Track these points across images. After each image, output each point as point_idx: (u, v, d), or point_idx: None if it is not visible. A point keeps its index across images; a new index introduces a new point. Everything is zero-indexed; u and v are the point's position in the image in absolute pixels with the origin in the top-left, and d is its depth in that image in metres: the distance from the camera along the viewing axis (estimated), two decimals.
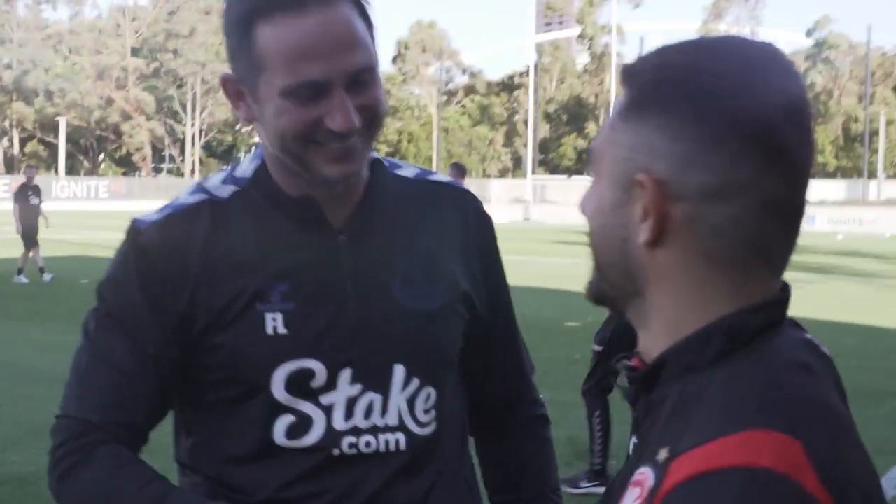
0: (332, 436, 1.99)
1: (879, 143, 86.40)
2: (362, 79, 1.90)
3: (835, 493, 1.13)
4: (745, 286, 1.27)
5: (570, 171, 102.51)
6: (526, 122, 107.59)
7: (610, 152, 1.32)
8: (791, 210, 1.28)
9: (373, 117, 1.94)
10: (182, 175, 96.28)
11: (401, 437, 2.03)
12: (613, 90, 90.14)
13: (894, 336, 16.80)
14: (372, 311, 2.01)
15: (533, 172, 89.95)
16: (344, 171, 1.93)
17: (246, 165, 2.08)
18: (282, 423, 1.99)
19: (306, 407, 1.99)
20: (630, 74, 1.32)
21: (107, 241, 27.78)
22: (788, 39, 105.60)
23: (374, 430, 2.01)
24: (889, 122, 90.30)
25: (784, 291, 1.31)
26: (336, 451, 1.99)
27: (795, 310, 1.31)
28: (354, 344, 2.00)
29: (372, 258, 2.04)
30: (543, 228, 63.71)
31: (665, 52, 1.31)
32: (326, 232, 2.02)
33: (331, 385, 1.99)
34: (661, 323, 1.31)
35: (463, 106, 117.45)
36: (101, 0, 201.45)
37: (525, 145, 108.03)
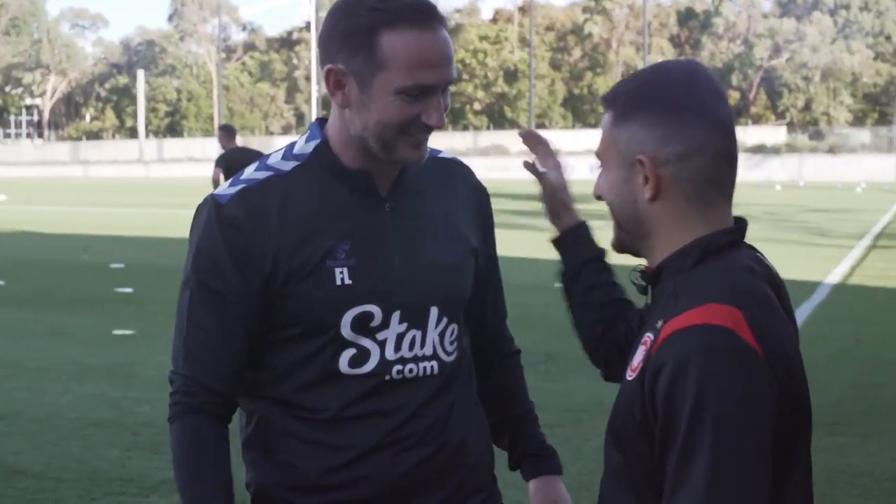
0: (384, 364, 2.47)
1: None
2: (447, 88, 2.43)
3: (762, 344, 1.87)
4: (712, 214, 2.03)
5: None
6: (307, 78, 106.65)
7: (612, 149, 2.07)
8: (732, 157, 2.06)
9: (443, 122, 2.44)
10: None
11: (435, 364, 2.53)
12: None
13: None
14: (412, 264, 2.49)
15: None
16: (420, 156, 2.45)
17: (303, 144, 2.52)
18: (346, 356, 2.45)
19: (365, 342, 2.46)
20: (611, 99, 2.09)
21: None
22: None
23: (416, 360, 2.50)
24: None
25: (740, 222, 2.07)
26: (387, 377, 2.47)
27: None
28: (401, 291, 2.47)
29: (409, 221, 2.51)
30: None
31: (632, 80, 2.09)
32: (377, 199, 2.49)
33: (385, 324, 2.46)
34: (661, 249, 2.05)
35: (243, 63, 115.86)
36: None
37: (307, 101, 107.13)
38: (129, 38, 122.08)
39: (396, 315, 2.47)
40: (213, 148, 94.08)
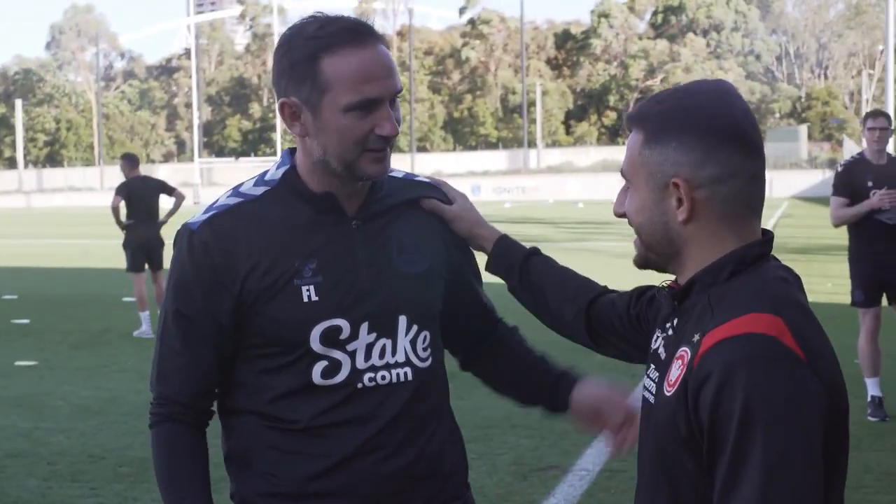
0: (355, 374, 2.58)
1: (537, 114, 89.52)
2: (395, 99, 2.53)
3: (805, 350, 1.89)
4: (743, 230, 2.05)
5: (236, 153, 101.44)
6: (187, 105, 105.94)
7: (642, 171, 2.07)
8: (763, 178, 2.08)
9: (397, 131, 2.54)
10: None
11: (409, 370, 2.63)
12: None
13: None
14: (379, 276, 2.60)
15: (199, 156, 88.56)
16: (381, 170, 2.56)
17: (274, 171, 2.66)
18: (318, 368, 2.56)
19: (336, 354, 2.56)
20: (638, 119, 2.09)
21: None
22: (441, 16, 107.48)
23: (388, 367, 2.60)
24: (544, 93, 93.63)
25: (767, 234, 2.10)
26: (359, 385, 2.58)
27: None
28: (368, 303, 2.58)
29: (376, 236, 2.63)
30: None
31: (661, 101, 2.08)
32: (343, 218, 2.60)
33: (353, 336, 2.57)
34: (692, 266, 2.07)
35: (122, 91, 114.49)
36: None
37: (187, 129, 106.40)
38: (6, 67, 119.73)
39: (364, 326, 2.56)
40: (93, 177, 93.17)
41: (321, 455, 2.58)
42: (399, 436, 2.61)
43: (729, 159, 2.01)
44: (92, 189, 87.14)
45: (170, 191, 14.79)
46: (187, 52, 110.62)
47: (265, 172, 2.69)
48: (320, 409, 2.57)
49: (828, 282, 19.21)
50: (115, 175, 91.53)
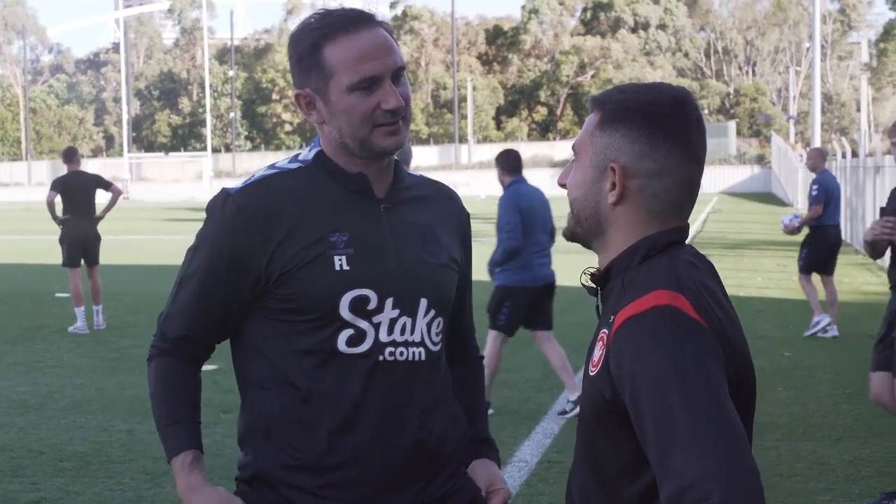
0: (378, 345, 2.70)
1: (468, 110, 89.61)
2: (399, 75, 2.68)
3: (706, 320, 2.05)
4: (665, 227, 2.20)
5: (166, 149, 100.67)
6: (116, 100, 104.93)
7: (590, 149, 2.23)
8: (696, 185, 2.24)
9: (407, 106, 2.70)
10: None
11: (422, 350, 2.76)
12: (207, 64, 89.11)
13: None
14: (405, 258, 2.75)
15: (129, 151, 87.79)
16: (395, 143, 2.69)
17: (306, 152, 2.81)
18: (344, 335, 2.69)
19: (362, 324, 2.69)
20: (601, 101, 2.24)
21: None
22: (371, 11, 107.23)
23: (406, 344, 2.74)
24: (475, 89, 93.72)
25: (685, 224, 2.24)
26: (381, 357, 2.70)
27: None
28: (394, 280, 2.72)
29: (402, 222, 2.78)
30: (144, 207, 62.45)
31: (623, 90, 2.23)
32: (373, 200, 2.76)
33: (380, 308, 2.70)
34: (613, 249, 2.23)
35: (50, 85, 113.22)
36: None
37: (116, 123, 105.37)
38: None
39: (390, 301, 2.70)
40: (20, 172, 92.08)
41: (342, 429, 2.69)
42: (414, 412, 2.74)
43: (667, 159, 2.16)
44: (19, 184, 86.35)
45: (106, 185, 14.55)
46: (116, 46, 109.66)
47: (298, 154, 2.84)
48: (344, 378, 2.69)
49: (758, 276, 19.54)
50: (42, 170, 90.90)
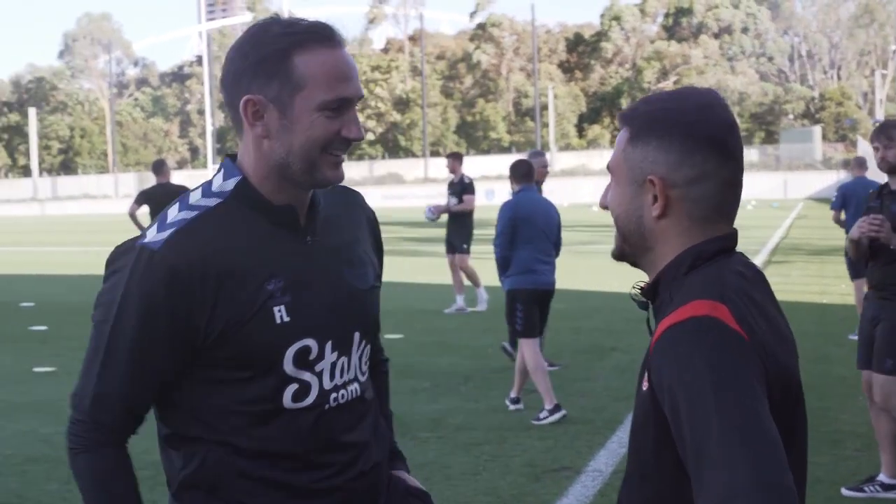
0: (322, 395, 2.55)
1: (549, 117, 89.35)
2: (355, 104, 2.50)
3: (747, 332, 1.99)
4: (712, 233, 2.16)
5: None
6: (200, 112, 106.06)
7: (624, 166, 2.20)
8: (738, 185, 2.20)
9: (363, 136, 2.51)
10: None
11: (357, 386, 2.63)
12: None
13: (595, 297, 17.51)
14: (336, 294, 2.56)
15: (213, 162, 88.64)
16: (340, 176, 2.51)
17: (221, 182, 2.53)
18: (289, 391, 2.51)
19: (306, 376, 2.52)
20: (629, 117, 2.21)
21: None
22: (452, 20, 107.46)
23: (345, 385, 2.59)
24: (556, 97, 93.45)
25: (733, 231, 2.21)
26: (326, 406, 2.55)
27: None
28: (331, 322, 2.54)
29: (327, 252, 2.58)
30: None
31: (649, 102, 2.21)
32: (300, 234, 2.54)
33: (321, 356, 2.53)
34: (662, 264, 2.18)
35: (135, 98, 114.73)
36: None
37: (200, 135, 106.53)
38: (20, 76, 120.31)
39: (329, 345, 2.53)
40: (108, 184, 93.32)
41: (291, 480, 2.54)
42: (357, 447, 2.62)
43: (704, 163, 2.13)
44: (107, 196, 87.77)
45: None
46: (199, 59, 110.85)
47: (209, 183, 2.56)
48: (290, 433, 2.52)
49: (842, 283, 19.22)
50: (129, 182, 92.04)
